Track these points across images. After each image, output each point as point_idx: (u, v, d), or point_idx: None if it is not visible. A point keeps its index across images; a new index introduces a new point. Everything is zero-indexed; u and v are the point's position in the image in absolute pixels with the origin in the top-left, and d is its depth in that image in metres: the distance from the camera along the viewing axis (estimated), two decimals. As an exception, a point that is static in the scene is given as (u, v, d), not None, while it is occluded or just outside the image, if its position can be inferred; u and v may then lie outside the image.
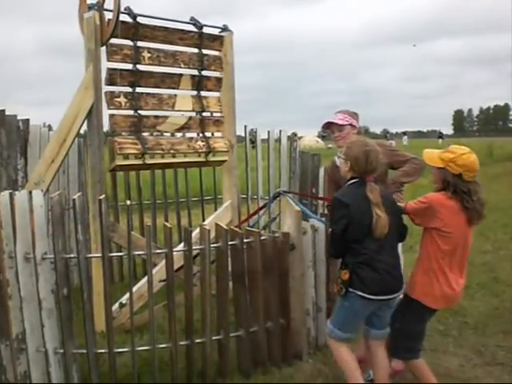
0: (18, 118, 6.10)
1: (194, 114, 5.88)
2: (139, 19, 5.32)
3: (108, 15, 5.09)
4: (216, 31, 6.07)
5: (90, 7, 5.07)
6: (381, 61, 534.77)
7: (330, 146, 38.62)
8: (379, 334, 3.93)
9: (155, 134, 5.66)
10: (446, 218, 3.73)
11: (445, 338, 5.25)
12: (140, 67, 5.38)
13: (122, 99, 5.28)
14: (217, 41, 6.03)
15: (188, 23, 5.79)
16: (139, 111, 5.41)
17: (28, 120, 6.16)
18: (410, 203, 3.92)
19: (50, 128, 6.57)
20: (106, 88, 5.20)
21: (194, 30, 5.81)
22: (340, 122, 4.67)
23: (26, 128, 6.14)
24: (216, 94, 6.12)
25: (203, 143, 5.88)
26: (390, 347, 3.98)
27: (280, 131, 7.29)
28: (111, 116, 5.22)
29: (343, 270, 3.79)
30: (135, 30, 5.30)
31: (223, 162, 6.21)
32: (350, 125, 4.69)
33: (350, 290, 3.73)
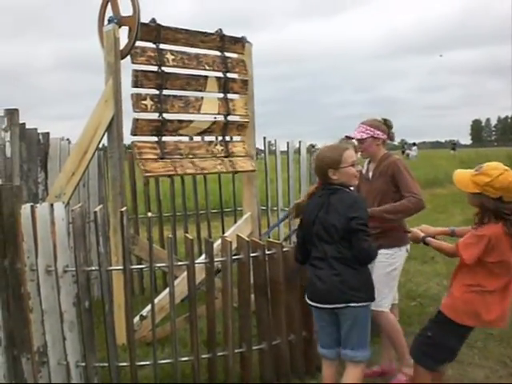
0: (39, 131, 6.14)
1: (220, 117, 5.85)
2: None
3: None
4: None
5: (110, 20, 5.10)
6: (398, 72, 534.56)
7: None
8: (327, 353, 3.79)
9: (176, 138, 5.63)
10: (505, 250, 3.48)
11: (470, 349, 5.16)
12: (165, 69, 5.36)
13: (149, 102, 5.24)
14: (238, 44, 5.99)
15: (209, 34, 5.79)
16: (164, 114, 5.37)
17: (48, 133, 6.20)
18: (461, 241, 3.58)
19: (69, 142, 6.60)
20: (132, 90, 5.18)
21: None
22: (358, 136, 4.49)
23: (47, 141, 6.19)
24: (242, 96, 6.09)
25: (222, 147, 5.85)
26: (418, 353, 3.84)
27: (300, 142, 7.25)
28: (135, 120, 5.18)
29: None
30: (157, 32, 5.29)
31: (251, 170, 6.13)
32: (372, 137, 4.48)
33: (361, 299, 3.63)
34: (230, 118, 5.92)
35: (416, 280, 7.56)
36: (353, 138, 4.48)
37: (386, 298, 4.37)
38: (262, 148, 7.59)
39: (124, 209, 4.19)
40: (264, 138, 7.37)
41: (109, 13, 5.26)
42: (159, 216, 7.21)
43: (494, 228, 3.45)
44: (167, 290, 4.90)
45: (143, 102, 5.22)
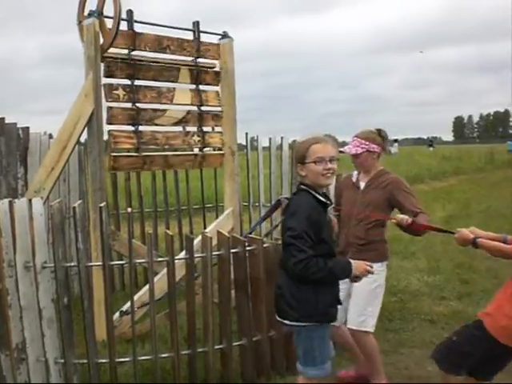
0: (18, 126, 6.08)
1: (193, 107, 5.88)
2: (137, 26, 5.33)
3: (107, 22, 5.07)
4: (216, 38, 6.04)
5: (90, 14, 5.05)
6: (383, 68, 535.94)
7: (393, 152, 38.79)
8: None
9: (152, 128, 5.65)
10: None
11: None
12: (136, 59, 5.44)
13: (121, 92, 5.28)
14: (213, 46, 6.05)
15: (186, 30, 5.78)
16: (137, 104, 5.40)
17: (28, 128, 6.14)
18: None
19: (50, 136, 6.54)
20: (104, 80, 5.19)
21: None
22: (353, 151, 4.32)
23: (26, 136, 6.12)
24: (215, 88, 6.10)
25: (199, 138, 5.87)
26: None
27: (281, 138, 7.24)
28: (109, 108, 5.20)
29: None
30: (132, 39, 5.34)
31: (219, 159, 6.18)
32: (367, 151, 4.29)
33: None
34: (203, 108, 5.96)
35: (397, 275, 7.59)
36: (343, 152, 4.31)
37: (370, 317, 4.19)
38: (244, 143, 7.56)
39: (103, 204, 4.15)
40: (246, 133, 7.35)
41: (89, 6, 5.21)
42: (140, 212, 7.18)
43: None
44: (148, 286, 4.89)
45: (115, 91, 5.24)
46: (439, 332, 5.51)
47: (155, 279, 4.94)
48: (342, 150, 4.28)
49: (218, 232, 4.31)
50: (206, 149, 6.01)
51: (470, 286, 7.07)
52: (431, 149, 52.64)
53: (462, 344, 3.49)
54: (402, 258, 8.60)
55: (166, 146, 5.72)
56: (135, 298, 5.00)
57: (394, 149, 46.26)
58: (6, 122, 5.99)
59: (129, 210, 4.19)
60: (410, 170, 25.06)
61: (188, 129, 5.90)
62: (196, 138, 5.84)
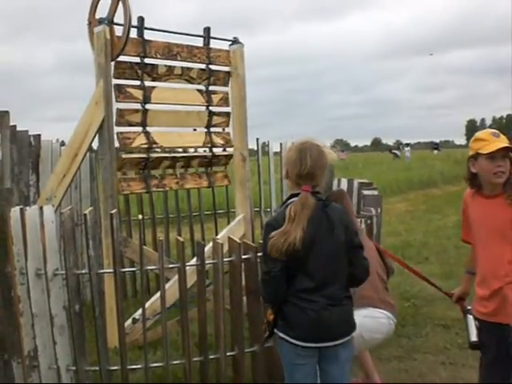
0: (30, 133, 6.11)
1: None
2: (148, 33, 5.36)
3: (118, 29, 5.09)
4: (226, 44, 6.06)
5: (100, 21, 5.07)
6: (395, 72, 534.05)
7: (342, 157, 38.54)
8: None
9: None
10: None
11: (464, 351, 5.13)
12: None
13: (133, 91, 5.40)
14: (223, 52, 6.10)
15: (197, 36, 5.79)
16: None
17: (39, 135, 6.17)
18: None
19: (62, 143, 6.57)
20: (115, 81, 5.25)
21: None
22: None
23: (38, 143, 6.15)
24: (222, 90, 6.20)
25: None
26: None
27: (292, 143, 7.22)
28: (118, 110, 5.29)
29: (270, 309, 3.16)
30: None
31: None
32: None
33: (276, 331, 3.10)
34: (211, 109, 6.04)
35: (410, 281, 7.52)
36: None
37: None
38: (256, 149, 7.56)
39: (114, 211, 4.15)
40: (257, 139, 7.35)
41: (99, 14, 5.24)
42: (152, 218, 7.18)
43: None
44: (159, 292, 4.89)
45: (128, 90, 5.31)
46: (453, 337, 5.47)
47: (167, 286, 4.94)
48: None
49: (229, 238, 4.29)
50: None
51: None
52: (436, 152, 52.12)
53: None
54: (415, 263, 8.51)
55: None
56: (147, 304, 5.01)
57: (407, 153, 46.05)
58: (19, 129, 6.01)
59: (140, 216, 4.19)
60: (422, 174, 24.98)
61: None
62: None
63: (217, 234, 6.42)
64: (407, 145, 52.88)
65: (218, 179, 6.19)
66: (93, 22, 5.31)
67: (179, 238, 4.34)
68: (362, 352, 4.24)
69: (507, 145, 3.20)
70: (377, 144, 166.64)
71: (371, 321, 3.91)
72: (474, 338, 3.44)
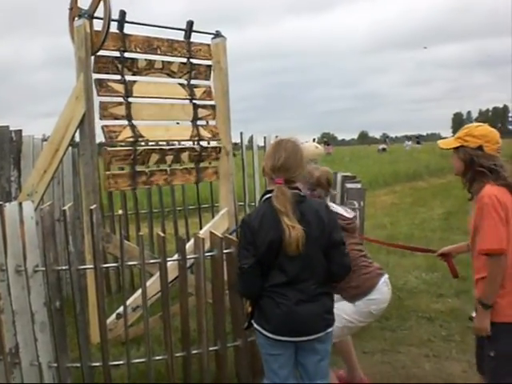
0: (12, 129, 6.05)
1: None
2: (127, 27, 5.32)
3: (98, 23, 5.04)
4: (209, 37, 6.02)
5: (80, 15, 5.02)
6: (383, 66, 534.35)
7: (328, 152, 38.57)
8: None
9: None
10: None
11: (448, 343, 5.18)
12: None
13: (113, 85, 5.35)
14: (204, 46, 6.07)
15: (178, 29, 5.76)
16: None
17: (20, 131, 6.11)
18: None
19: (45, 139, 6.50)
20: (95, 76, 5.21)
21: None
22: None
23: (19, 139, 6.09)
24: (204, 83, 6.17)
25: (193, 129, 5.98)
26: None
27: (276, 137, 7.20)
28: (100, 103, 5.25)
29: (248, 302, 3.25)
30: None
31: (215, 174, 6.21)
32: None
33: (253, 323, 3.16)
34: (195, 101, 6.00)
35: (395, 273, 7.55)
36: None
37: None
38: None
39: (94, 206, 4.12)
40: (241, 133, 7.32)
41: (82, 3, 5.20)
42: (136, 213, 7.14)
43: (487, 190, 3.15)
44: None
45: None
46: (437, 329, 5.50)
47: (150, 281, 4.93)
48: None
49: (211, 233, 4.27)
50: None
51: (468, 283, 7.02)
52: (418, 146, 52.15)
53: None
54: (400, 256, 8.56)
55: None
56: (131, 299, 5.00)
57: (408, 147, 46.14)
58: (9, 124, 5.96)
59: (120, 211, 4.16)
60: (408, 168, 25.07)
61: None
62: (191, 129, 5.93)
63: (201, 229, 6.41)
64: (409, 139, 52.68)
65: (207, 175, 6.14)
66: (74, 9, 5.25)
67: (160, 233, 4.31)
68: (346, 346, 4.25)
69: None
70: (364, 137, 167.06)
71: (374, 301, 3.91)
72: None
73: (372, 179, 20.61)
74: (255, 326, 3.13)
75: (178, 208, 7.38)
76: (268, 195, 3.08)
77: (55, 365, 4.02)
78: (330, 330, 3.12)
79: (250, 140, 7.83)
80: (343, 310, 3.77)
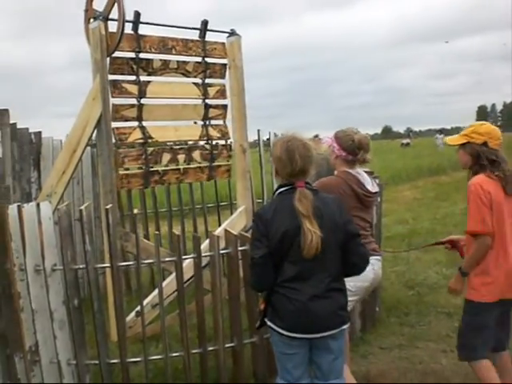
0: (39, 130, 6.19)
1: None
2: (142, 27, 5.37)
3: (113, 24, 5.10)
4: (224, 36, 6.06)
5: (95, 17, 5.08)
6: (406, 60, 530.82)
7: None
8: None
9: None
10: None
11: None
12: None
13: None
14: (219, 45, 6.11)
15: (193, 29, 5.80)
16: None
17: (40, 133, 6.22)
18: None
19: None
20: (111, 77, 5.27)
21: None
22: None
23: (39, 141, 6.20)
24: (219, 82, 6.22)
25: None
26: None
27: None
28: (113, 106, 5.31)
29: (261, 299, 3.25)
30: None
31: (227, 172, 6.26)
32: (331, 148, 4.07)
33: (266, 320, 3.17)
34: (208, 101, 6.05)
35: (415, 269, 7.54)
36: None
37: None
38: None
39: (110, 206, 4.18)
40: (258, 130, 7.33)
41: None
42: (155, 212, 7.20)
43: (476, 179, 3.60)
44: (163, 283, 4.92)
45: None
46: (455, 325, 5.43)
47: (169, 279, 4.99)
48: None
49: (226, 230, 4.31)
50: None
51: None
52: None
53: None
54: (421, 251, 8.50)
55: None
56: (150, 297, 5.06)
57: (439, 140, 45.63)
58: (34, 125, 6.09)
59: (135, 211, 4.21)
60: (432, 162, 24.85)
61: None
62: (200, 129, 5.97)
63: (220, 227, 6.44)
64: (440, 132, 51.81)
65: (219, 173, 6.20)
66: (89, 10, 5.32)
67: (175, 231, 4.35)
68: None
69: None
70: (387, 132, 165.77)
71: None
72: None
73: (395, 174, 20.49)
74: (268, 323, 3.13)
75: (197, 206, 7.42)
76: (281, 189, 3.11)
77: (74, 362, 4.10)
78: (344, 327, 3.13)
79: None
80: None
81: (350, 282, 3.56)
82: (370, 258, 3.76)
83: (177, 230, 5.12)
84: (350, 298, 3.59)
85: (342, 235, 3.08)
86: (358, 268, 3.21)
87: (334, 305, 3.06)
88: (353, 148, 3.94)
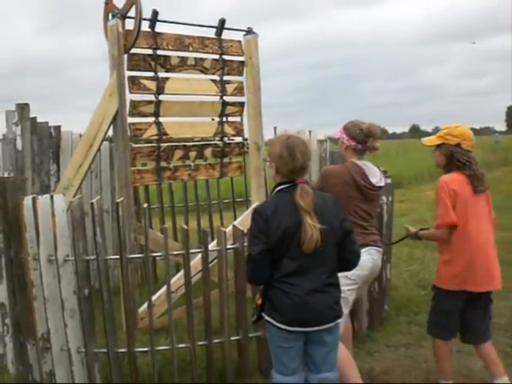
0: (59, 124, 6.35)
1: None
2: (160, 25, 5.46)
3: (131, 22, 5.20)
4: (240, 34, 6.13)
5: (114, 15, 5.20)
6: (435, 59, 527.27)
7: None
8: (314, 379, 3.25)
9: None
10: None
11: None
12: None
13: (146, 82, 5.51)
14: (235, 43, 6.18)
15: (210, 27, 5.88)
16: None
17: (59, 127, 6.38)
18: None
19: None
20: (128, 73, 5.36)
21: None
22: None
23: (58, 134, 6.35)
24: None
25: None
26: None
27: (309, 132, 7.27)
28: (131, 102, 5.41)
29: (258, 293, 3.31)
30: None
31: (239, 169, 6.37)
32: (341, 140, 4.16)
33: (263, 315, 3.23)
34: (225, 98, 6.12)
35: (429, 269, 7.51)
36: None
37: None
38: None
39: (120, 200, 4.29)
40: (275, 127, 7.40)
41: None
42: (171, 206, 7.31)
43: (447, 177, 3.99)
44: (175, 277, 5.04)
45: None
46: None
47: (181, 272, 5.09)
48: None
49: (234, 226, 4.40)
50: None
51: (503, 279, 6.94)
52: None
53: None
54: (436, 251, 8.48)
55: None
56: (163, 289, 5.16)
57: (498, 138, 45.40)
58: (63, 118, 6.32)
59: (145, 205, 4.32)
60: (456, 162, 24.56)
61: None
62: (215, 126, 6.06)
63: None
64: (496, 132, 51.53)
65: (231, 170, 6.29)
66: (110, 4, 5.43)
67: (184, 225, 4.45)
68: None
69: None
70: (415, 130, 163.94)
71: None
72: None
73: (418, 173, 20.39)
74: (266, 318, 3.20)
75: (213, 202, 7.52)
76: (281, 187, 3.18)
77: (84, 350, 4.22)
78: (339, 320, 3.20)
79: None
80: None
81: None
82: (370, 248, 3.90)
83: (181, 225, 5.20)
84: (349, 287, 3.71)
85: (339, 232, 3.16)
86: (351, 264, 3.31)
87: (330, 299, 3.14)
88: (362, 137, 4.05)
